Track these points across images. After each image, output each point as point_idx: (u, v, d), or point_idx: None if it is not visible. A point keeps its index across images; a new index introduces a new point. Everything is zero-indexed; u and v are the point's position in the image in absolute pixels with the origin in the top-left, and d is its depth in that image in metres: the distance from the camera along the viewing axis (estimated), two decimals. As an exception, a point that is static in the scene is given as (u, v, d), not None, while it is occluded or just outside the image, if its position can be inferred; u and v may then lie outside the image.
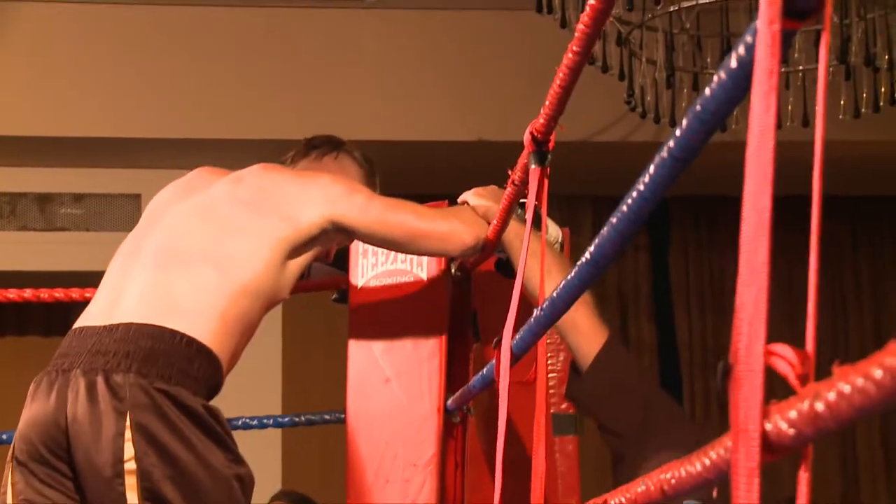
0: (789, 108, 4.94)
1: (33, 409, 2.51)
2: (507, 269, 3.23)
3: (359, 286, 3.26)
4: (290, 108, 6.50)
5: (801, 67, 4.93)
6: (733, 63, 1.02)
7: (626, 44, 4.73)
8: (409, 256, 3.15)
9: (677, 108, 4.84)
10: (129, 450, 2.40)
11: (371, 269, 3.24)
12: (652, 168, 1.20)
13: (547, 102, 1.91)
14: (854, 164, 6.77)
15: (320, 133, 3.16)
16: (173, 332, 2.50)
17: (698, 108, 1.09)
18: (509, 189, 2.39)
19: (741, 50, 1.00)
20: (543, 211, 2.08)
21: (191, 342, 2.51)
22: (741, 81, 1.03)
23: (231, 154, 3.03)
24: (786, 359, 0.88)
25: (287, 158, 3.09)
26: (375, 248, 3.19)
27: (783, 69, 4.46)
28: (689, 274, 8.20)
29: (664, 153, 1.16)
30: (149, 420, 2.42)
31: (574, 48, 1.67)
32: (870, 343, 7.78)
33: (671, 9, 4.44)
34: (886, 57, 4.63)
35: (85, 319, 2.63)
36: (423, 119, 6.59)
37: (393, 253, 3.18)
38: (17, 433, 2.54)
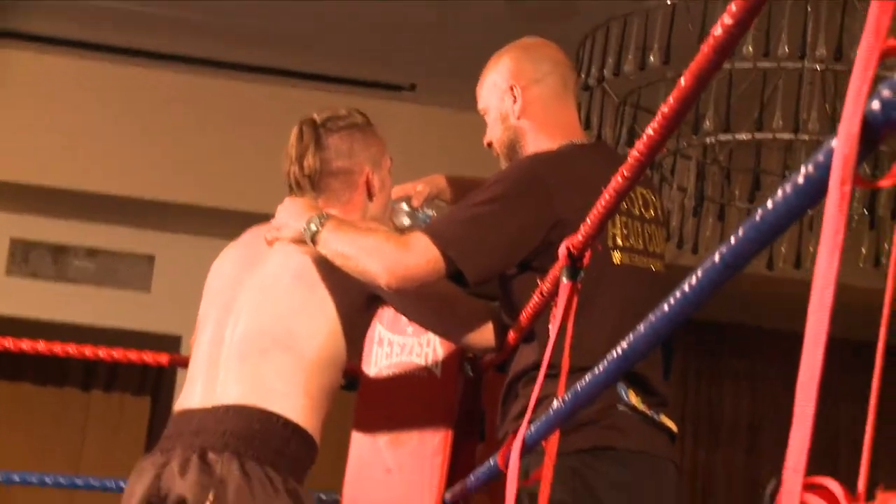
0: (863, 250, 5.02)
1: (135, 489, 2.58)
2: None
3: (370, 374, 3.26)
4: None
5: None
6: (800, 179, 1.03)
7: (659, 168, 4.77)
8: (424, 351, 3.15)
9: (700, 236, 4.87)
10: None
11: (385, 358, 3.24)
12: (700, 272, 1.21)
13: (588, 221, 1.93)
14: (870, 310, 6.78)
15: None
16: (270, 414, 2.59)
17: (758, 217, 1.10)
18: (536, 299, 2.38)
19: (810, 168, 1.01)
20: (569, 325, 2.08)
21: (287, 423, 2.59)
22: (805, 198, 1.04)
23: (245, 226, 3.02)
24: (830, 490, 0.88)
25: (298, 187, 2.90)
26: (392, 339, 3.20)
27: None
28: (686, 402, 8.15)
29: (716, 258, 1.17)
30: (230, 498, 2.46)
31: (625, 173, 1.67)
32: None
33: (707, 140, 4.48)
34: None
35: (186, 402, 2.71)
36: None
37: (409, 345, 3.18)
38: None
